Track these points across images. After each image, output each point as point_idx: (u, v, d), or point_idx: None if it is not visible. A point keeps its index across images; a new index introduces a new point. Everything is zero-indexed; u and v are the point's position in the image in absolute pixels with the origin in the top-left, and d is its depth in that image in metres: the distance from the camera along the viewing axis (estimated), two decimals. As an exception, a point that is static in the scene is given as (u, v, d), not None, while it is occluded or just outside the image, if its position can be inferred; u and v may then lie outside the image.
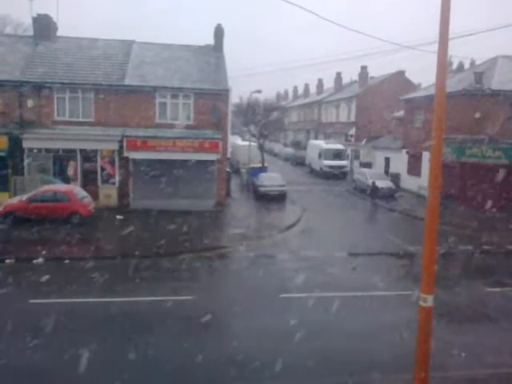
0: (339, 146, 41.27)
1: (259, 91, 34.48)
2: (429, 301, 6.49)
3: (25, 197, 20.17)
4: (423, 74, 66.03)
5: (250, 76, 63.33)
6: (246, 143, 36.33)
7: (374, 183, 30.94)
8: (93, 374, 8.71)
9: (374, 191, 30.66)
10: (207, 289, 13.68)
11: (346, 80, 60.49)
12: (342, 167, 39.51)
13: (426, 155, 28.86)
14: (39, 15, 26.78)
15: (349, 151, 43.21)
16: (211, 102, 24.93)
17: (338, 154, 39.83)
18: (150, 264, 15.60)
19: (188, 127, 24.72)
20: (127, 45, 27.60)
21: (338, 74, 60.39)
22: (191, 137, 24.00)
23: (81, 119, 24.16)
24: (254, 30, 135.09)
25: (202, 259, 16.64)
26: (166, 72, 25.57)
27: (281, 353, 9.59)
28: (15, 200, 20.48)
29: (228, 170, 28.36)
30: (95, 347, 9.54)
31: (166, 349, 9.79)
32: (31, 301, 12.12)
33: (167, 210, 22.20)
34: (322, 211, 26.67)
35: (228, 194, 27.76)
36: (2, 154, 22.75)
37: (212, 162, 24.46)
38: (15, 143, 22.72)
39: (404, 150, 34.14)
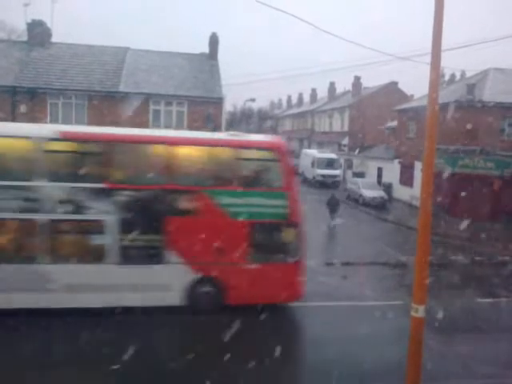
0: (332, 155, 41.47)
1: (253, 100, 34.71)
2: (420, 311, 6.50)
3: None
4: (416, 85, 66.58)
5: (245, 84, 63.75)
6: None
7: (333, 194, 25.27)
8: None
9: (334, 204, 24.54)
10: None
11: (339, 90, 60.97)
12: (334, 176, 39.60)
13: (418, 165, 29.05)
14: (33, 21, 26.67)
15: (342, 160, 43.46)
16: (205, 109, 24.95)
17: (331, 163, 39.99)
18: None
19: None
20: (122, 51, 27.56)
21: (332, 84, 60.84)
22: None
23: (74, 125, 24.04)
24: (250, 39, 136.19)
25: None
26: (160, 79, 25.56)
27: (270, 361, 9.52)
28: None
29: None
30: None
31: (153, 355, 9.69)
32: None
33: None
34: (314, 220, 26.55)
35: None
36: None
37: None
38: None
39: (396, 160, 34.36)
